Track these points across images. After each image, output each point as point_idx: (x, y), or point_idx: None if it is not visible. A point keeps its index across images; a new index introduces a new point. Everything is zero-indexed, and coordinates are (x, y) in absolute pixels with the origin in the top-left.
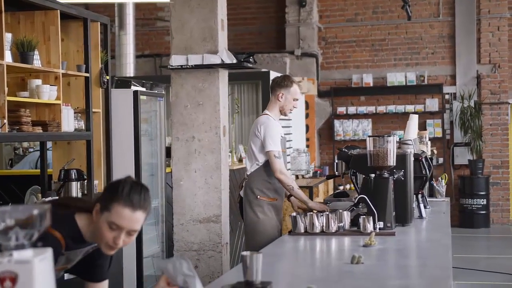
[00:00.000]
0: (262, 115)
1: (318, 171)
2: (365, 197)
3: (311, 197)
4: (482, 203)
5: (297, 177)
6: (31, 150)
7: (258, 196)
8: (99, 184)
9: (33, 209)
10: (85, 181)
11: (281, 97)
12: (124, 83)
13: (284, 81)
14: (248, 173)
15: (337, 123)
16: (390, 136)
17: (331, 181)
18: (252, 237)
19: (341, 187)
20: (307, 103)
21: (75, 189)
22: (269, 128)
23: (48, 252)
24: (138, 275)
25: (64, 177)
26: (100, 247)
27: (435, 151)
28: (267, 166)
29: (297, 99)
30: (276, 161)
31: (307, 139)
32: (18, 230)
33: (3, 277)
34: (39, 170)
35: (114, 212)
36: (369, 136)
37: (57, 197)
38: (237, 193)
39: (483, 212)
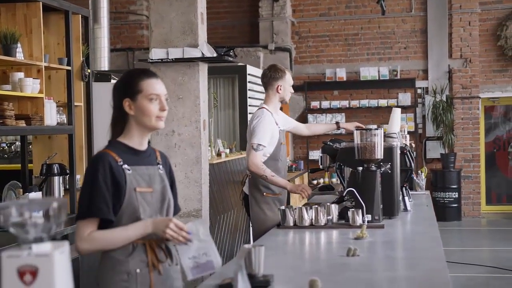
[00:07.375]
0: (259, 108)
1: (294, 166)
2: (354, 190)
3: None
4: (454, 197)
5: None
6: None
7: (264, 193)
8: (81, 179)
9: (52, 201)
10: (67, 175)
11: (280, 88)
12: (104, 76)
13: (278, 73)
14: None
15: (310, 117)
16: (377, 129)
17: (305, 175)
18: (261, 234)
19: (322, 181)
20: None
21: (57, 184)
22: (261, 122)
23: (66, 246)
24: None
25: (46, 172)
26: (153, 127)
27: (413, 144)
28: (270, 161)
29: (292, 84)
30: (252, 153)
31: None
32: (37, 223)
33: (23, 271)
34: (19, 165)
35: (145, 88)
36: (356, 129)
37: None
38: (240, 190)
39: (455, 205)
